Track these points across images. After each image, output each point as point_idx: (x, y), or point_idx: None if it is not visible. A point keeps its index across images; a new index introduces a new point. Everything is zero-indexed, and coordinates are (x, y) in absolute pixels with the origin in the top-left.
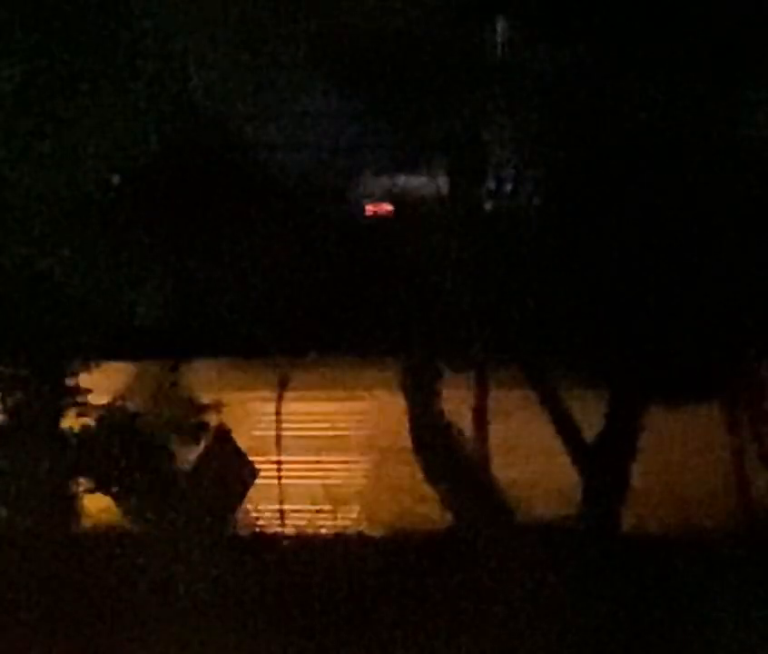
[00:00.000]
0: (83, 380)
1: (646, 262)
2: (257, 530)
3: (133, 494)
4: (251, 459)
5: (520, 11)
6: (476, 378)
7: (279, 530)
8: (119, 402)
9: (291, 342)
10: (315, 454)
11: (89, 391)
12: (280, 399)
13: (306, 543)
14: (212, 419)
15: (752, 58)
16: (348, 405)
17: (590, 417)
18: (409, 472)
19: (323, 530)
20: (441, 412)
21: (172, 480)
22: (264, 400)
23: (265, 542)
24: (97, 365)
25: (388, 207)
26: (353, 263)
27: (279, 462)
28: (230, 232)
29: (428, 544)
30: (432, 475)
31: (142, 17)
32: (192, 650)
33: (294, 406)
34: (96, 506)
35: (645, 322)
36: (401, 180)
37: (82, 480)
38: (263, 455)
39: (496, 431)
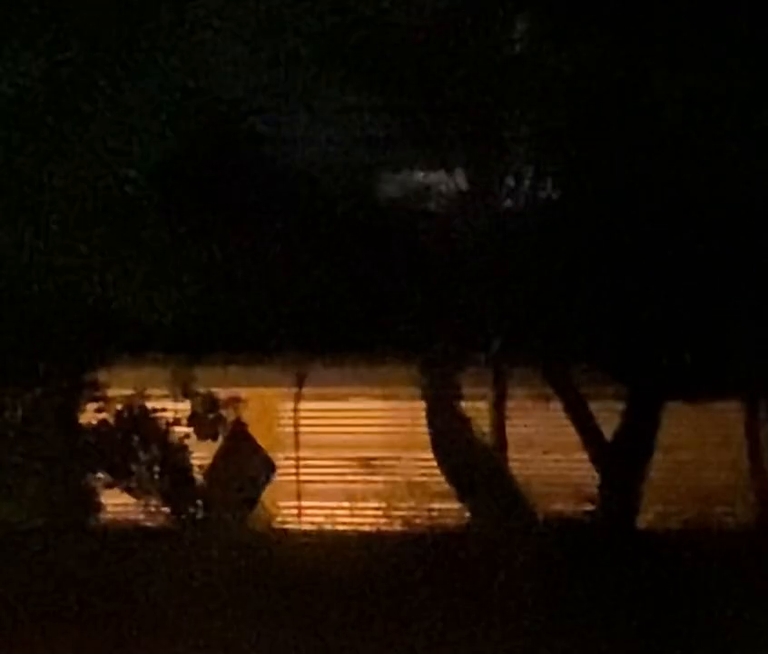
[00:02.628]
0: (102, 375)
1: (666, 261)
2: (275, 525)
3: (151, 490)
4: (268, 454)
5: (541, 7)
6: (494, 376)
7: (296, 526)
8: (137, 398)
9: (310, 339)
10: (333, 451)
11: (107, 386)
12: (298, 396)
13: (324, 540)
14: (230, 414)
15: None
16: (366, 403)
17: (609, 414)
18: (428, 470)
19: (341, 527)
20: (460, 410)
21: (190, 476)
22: (282, 396)
23: (283, 538)
24: (116, 360)
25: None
26: (373, 261)
27: (297, 459)
28: (249, 229)
29: (445, 541)
30: (450, 472)
31: (161, 13)
32: (210, 646)
33: (312, 403)
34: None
35: (665, 319)
36: (420, 177)
37: (100, 475)
38: (281, 451)
39: (514, 428)
